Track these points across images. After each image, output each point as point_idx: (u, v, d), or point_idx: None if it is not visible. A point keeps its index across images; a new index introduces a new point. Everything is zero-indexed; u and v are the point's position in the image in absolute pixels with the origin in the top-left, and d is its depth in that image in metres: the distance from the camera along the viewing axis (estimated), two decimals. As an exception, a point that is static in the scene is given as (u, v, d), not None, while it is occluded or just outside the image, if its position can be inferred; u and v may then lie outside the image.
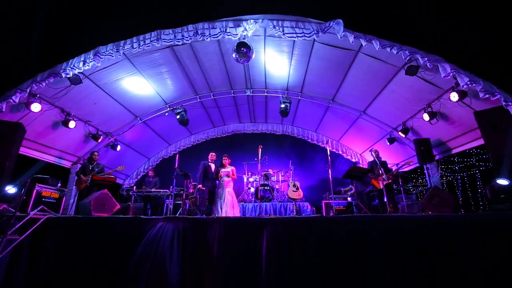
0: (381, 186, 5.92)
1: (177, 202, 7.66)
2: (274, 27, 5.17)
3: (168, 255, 3.33)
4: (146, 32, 5.38)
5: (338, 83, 7.35)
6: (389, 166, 6.96)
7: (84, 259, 3.51)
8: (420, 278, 3.25)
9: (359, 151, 10.18)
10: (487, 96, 4.51)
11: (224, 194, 5.85)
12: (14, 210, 3.61)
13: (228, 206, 5.72)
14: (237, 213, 5.86)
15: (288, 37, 5.23)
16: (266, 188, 8.54)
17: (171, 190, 7.45)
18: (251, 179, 9.03)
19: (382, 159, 6.93)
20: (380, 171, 6.06)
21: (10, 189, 4.96)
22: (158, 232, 3.54)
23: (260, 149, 6.26)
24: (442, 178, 9.31)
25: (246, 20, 5.21)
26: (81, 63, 5.27)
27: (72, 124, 6.56)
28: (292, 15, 5.14)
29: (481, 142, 5.94)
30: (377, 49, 4.81)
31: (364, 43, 4.84)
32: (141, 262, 3.28)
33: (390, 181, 6.34)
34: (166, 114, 8.27)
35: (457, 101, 5.47)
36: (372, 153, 6.44)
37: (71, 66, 5.28)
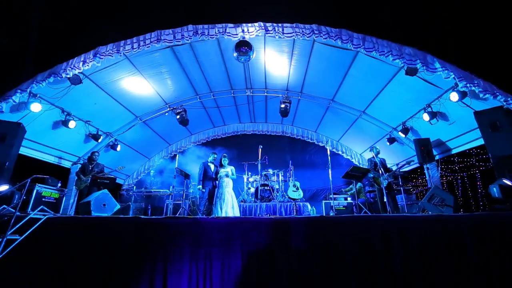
0: (383, 185, 5.92)
1: (177, 202, 7.66)
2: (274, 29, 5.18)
3: None
4: (146, 33, 5.39)
5: (338, 83, 7.34)
6: (388, 166, 6.92)
7: (84, 259, 3.51)
8: (421, 277, 3.25)
9: (359, 151, 10.17)
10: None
11: (224, 194, 5.84)
12: (14, 210, 3.60)
13: (228, 206, 5.71)
14: (237, 213, 5.85)
15: (287, 37, 5.24)
16: (266, 188, 8.51)
17: (171, 190, 7.45)
18: (251, 179, 9.02)
19: (381, 158, 6.90)
20: (380, 171, 6.05)
21: (6, 188, 4.94)
22: None
23: (260, 149, 6.26)
24: (442, 178, 9.31)
25: (246, 23, 5.24)
26: (81, 63, 5.28)
27: (72, 124, 6.55)
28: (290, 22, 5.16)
29: (481, 142, 5.93)
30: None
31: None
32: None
33: (392, 179, 6.32)
34: (166, 114, 8.26)
35: (457, 101, 5.47)
36: (373, 150, 6.42)
37: (71, 66, 5.29)
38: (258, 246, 3.48)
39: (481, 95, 4.69)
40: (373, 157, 6.37)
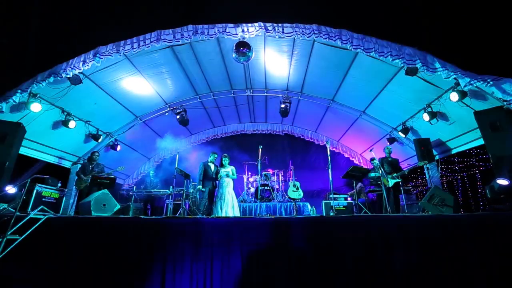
0: (390, 185, 5.93)
1: (177, 202, 7.65)
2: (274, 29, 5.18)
3: None
4: (146, 32, 5.40)
5: (338, 83, 7.34)
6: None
7: (84, 259, 3.51)
8: (421, 277, 3.25)
9: (359, 151, 10.17)
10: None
11: (224, 194, 5.84)
12: (14, 210, 3.61)
13: (228, 206, 5.71)
14: (237, 213, 5.85)
15: (287, 37, 5.24)
16: (266, 188, 8.51)
17: (171, 190, 7.45)
18: (251, 179, 9.02)
19: (394, 159, 6.85)
20: (381, 171, 6.05)
21: (10, 189, 4.95)
22: None
23: (260, 149, 6.26)
24: (442, 178, 9.31)
25: (246, 23, 5.24)
26: (81, 63, 5.29)
27: (72, 124, 6.55)
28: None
29: (481, 142, 5.93)
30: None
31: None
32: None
33: (400, 180, 6.31)
34: (166, 114, 8.27)
35: (457, 101, 5.47)
36: (384, 150, 6.46)
37: (71, 66, 5.29)
38: (258, 246, 3.48)
39: (488, 87, 4.60)
40: (386, 157, 6.39)
